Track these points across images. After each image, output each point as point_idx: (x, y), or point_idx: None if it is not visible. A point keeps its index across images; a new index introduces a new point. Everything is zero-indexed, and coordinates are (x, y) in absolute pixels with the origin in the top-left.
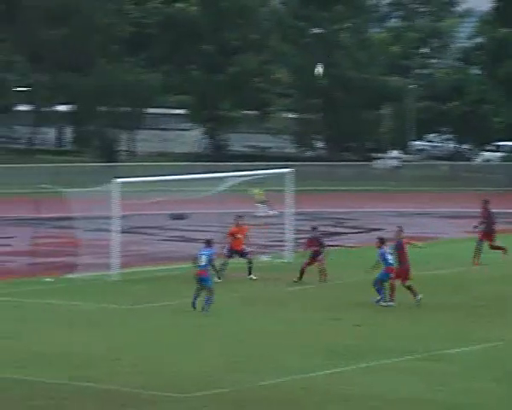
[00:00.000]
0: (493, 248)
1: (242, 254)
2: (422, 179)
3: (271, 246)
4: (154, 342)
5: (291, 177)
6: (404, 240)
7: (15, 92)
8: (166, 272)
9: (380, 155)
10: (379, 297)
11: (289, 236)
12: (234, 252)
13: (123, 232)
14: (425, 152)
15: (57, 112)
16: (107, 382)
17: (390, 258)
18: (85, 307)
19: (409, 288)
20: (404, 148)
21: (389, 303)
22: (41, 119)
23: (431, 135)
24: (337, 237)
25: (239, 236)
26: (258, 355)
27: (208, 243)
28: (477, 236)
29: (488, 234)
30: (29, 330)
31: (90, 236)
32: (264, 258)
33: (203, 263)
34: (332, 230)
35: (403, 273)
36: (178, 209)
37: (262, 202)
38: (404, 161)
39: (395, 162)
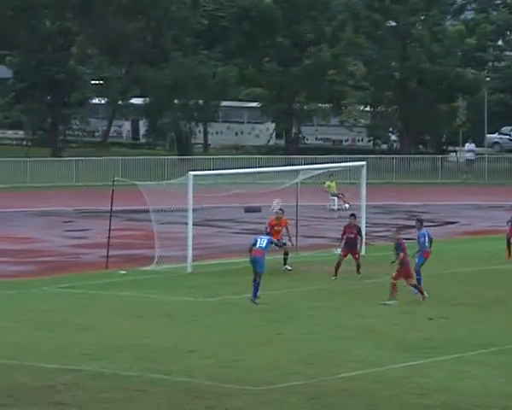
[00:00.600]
0: None
1: (279, 244)
2: (497, 172)
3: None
4: (228, 335)
5: (365, 170)
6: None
7: (90, 85)
8: (240, 265)
9: (455, 148)
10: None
11: (363, 227)
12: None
13: (197, 225)
14: (500, 145)
15: (132, 105)
16: (180, 374)
17: (427, 241)
18: (159, 300)
19: (415, 286)
20: (479, 141)
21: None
22: (116, 112)
23: (506, 128)
24: (409, 230)
25: (277, 228)
26: (333, 349)
27: (268, 234)
28: None
29: None
30: (103, 322)
31: (165, 228)
32: (338, 251)
33: (263, 245)
34: (405, 223)
35: (405, 273)
36: (253, 202)
37: (336, 195)
38: (478, 154)
39: (470, 155)
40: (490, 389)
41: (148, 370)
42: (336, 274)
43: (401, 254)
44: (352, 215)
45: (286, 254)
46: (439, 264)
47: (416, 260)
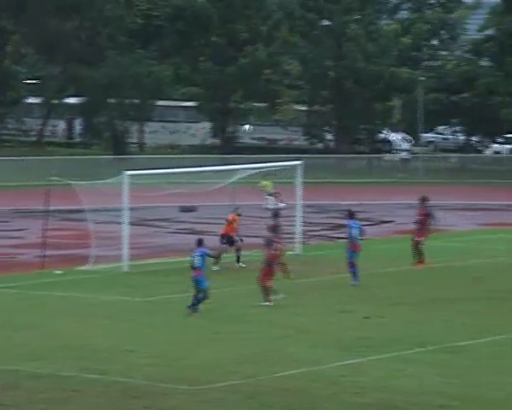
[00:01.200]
0: None
1: (231, 241)
2: (432, 172)
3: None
4: (168, 334)
5: (300, 169)
6: None
7: (25, 85)
8: (177, 264)
9: (389, 147)
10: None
11: (299, 228)
12: (225, 237)
13: (133, 224)
14: (435, 144)
15: (67, 104)
16: (118, 374)
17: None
18: (96, 300)
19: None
20: (413, 140)
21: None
22: (51, 111)
23: (441, 127)
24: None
25: (235, 224)
26: (271, 348)
27: (200, 242)
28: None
29: None
30: (41, 322)
31: (101, 228)
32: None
33: (197, 264)
34: (341, 222)
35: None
36: (188, 202)
37: (271, 195)
38: (413, 154)
39: (404, 155)
40: (427, 387)
41: (85, 370)
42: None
43: (269, 252)
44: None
45: (238, 250)
46: (374, 263)
47: (346, 255)
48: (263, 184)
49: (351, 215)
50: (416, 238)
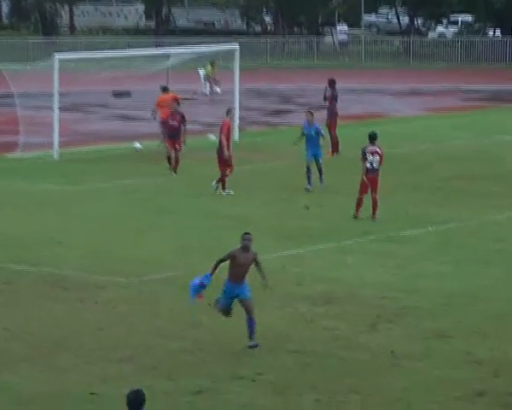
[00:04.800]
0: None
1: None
2: (374, 55)
3: (217, 125)
4: (99, 224)
5: (237, 53)
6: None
7: None
8: (109, 152)
9: (330, 29)
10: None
11: (236, 113)
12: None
13: (64, 110)
14: (377, 26)
15: None
16: (50, 265)
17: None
18: (25, 188)
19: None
20: (355, 22)
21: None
22: None
23: (383, 9)
24: (285, 115)
25: (164, 104)
26: (208, 239)
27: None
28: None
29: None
30: None
31: (30, 113)
32: (212, 137)
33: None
34: (280, 107)
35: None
36: (121, 86)
37: (208, 80)
38: (354, 36)
39: (343, 37)
40: (368, 278)
41: (16, 261)
42: (170, 165)
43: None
44: (176, 101)
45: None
46: None
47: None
48: (205, 68)
49: (312, 115)
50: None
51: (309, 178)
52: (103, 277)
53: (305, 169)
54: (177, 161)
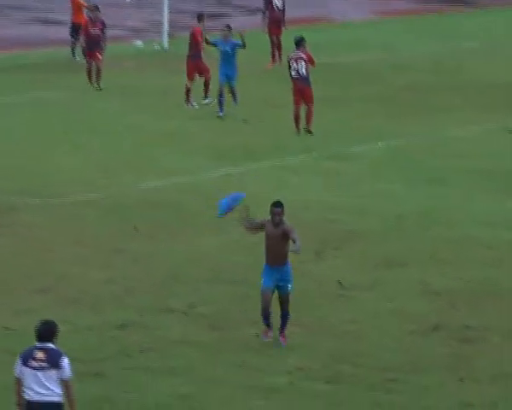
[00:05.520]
0: None
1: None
2: None
3: (145, 30)
4: (14, 140)
5: None
6: None
7: None
8: (26, 59)
9: None
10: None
11: (165, 17)
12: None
13: None
14: None
15: None
16: None
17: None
18: None
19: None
20: None
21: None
22: None
23: None
24: (221, 19)
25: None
26: (135, 157)
27: None
28: None
29: None
30: None
31: None
32: (138, 43)
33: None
34: (216, 10)
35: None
36: None
37: None
38: None
39: None
40: (312, 200)
41: None
42: (91, 80)
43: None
44: (96, 7)
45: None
46: (250, 58)
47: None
48: None
49: (229, 29)
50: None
51: (220, 102)
52: (18, 197)
53: (217, 92)
54: (98, 73)
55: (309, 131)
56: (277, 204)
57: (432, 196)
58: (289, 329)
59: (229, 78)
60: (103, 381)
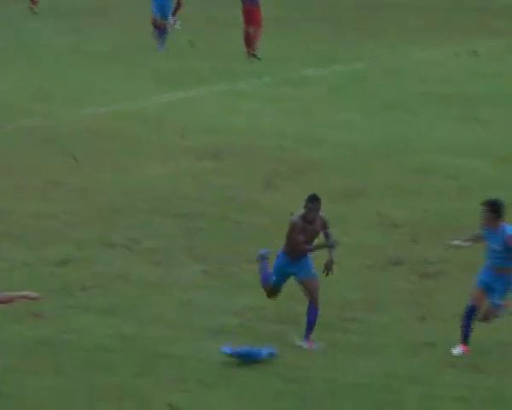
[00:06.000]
0: None
1: None
2: None
3: None
4: None
5: None
6: None
7: None
8: None
9: None
10: None
11: None
12: None
13: None
14: None
15: None
16: None
17: None
18: None
19: None
20: None
21: None
22: None
23: None
24: None
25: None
26: (76, 80)
27: None
28: None
29: None
30: None
31: None
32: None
33: None
34: None
35: None
36: None
37: None
38: None
39: None
40: (264, 127)
41: None
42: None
43: None
44: None
45: None
46: None
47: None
48: None
49: None
50: None
51: (159, 35)
52: None
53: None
54: None
55: (254, 56)
56: (315, 198)
57: (391, 124)
58: (239, 266)
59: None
60: (42, 321)
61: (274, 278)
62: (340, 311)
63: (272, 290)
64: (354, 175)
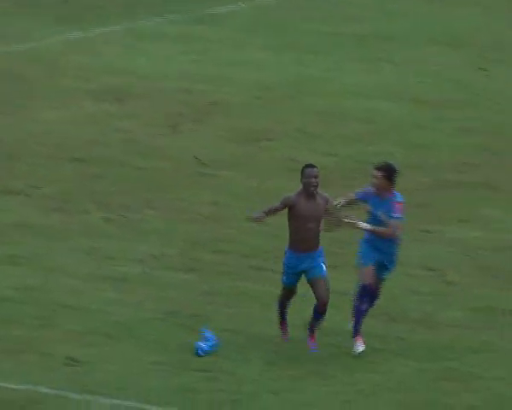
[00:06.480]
0: None
1: None
2: None
3: None
4: None
5: None
6: None
7: None
8: None
9: None
10: None
11: None
12: None
13: None
14: None
15: None
16: None
17: None
18: None
19: None
20: None
21: None
22: None
23: None
24: None
25: None
26: None
27: None
28: None
29: None
30: None
31: None
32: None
33: None
34: None
35: None
36: None
37: None
38: None
39: None
40: (169, 68)
41: None
42: None
43: None
44: None
45: None
46: None
47: None
48: None
49: None
50: None
51: None
52: None
53: None
54: None
55: None
56: (311, 165)
57: (300, 64)
58: (142, 212)
59: None
60: None
61: (284, 278)
62: (246, 259)
63: (289, 291)
64: (262, 117)
